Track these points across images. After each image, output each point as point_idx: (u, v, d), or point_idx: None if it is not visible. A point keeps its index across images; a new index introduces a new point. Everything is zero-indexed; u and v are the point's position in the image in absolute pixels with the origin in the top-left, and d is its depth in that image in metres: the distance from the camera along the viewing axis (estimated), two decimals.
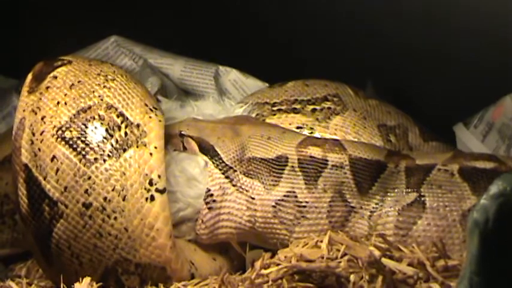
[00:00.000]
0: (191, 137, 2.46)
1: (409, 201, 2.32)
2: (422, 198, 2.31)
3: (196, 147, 2.45)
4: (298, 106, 2.77)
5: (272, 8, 3.43)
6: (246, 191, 2.40)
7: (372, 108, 2.82)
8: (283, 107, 2.77)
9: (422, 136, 2.80)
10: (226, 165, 2.41)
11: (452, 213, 2.28)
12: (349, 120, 2.75)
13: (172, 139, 2.45)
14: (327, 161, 2.37)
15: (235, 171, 2.40)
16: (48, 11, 3.65)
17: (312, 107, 2.77)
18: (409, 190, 2.34)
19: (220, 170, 2.41)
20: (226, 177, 2.40)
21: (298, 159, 2.38)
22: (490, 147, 3.05)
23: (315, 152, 2.38)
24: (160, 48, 3.44)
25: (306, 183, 2.37)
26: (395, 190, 2.35)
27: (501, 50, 2.97)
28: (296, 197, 2.37)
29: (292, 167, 2.38)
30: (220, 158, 2.42)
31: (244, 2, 3.46)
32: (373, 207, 2.35)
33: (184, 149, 2.46)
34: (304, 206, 2.36)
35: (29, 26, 3.72)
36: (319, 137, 2.64)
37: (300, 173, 2.38)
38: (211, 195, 2.40)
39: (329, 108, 2.77)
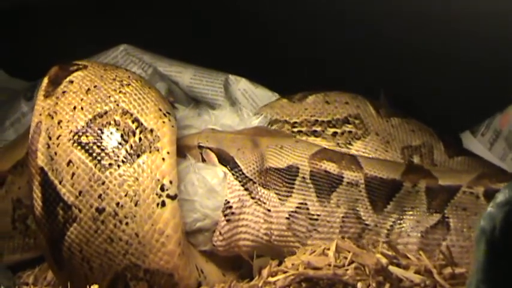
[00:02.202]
0: (210, 149, 2.44)
1: (432, 223, 2.29)
2: (446, 220, 2.28)
3: (215, 159, 2.43)
4: (318, 128, 2.74)
5: (280, 16, 3.44)
6: (264, 203, 2.38)
7: (395, 129, 2.77)
8: (303, 129, 2.74)
9: (447, 152, 2.75)
10: (246, 177, 2.39)
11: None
12: (371, 145, 2.72)
13: (191, 150, 2.44)
14: (342, 177, 2.36)
15: (254, 183, 2.39)
16: (59, 15, 3.66)
17: (332, 130, 2.74)
18: (432, 211, 2.31)
19: (240, 181, 2.39)
20: (246, 190, 2.39)
21: (311, 171, 2.38)
22: (497, 155, 3.05)
23: (331, 167, 2.37)
24: (169, 56, 3.45)
25: (317, 196, 2.36)
26: (416, 210, 2.32)
27: (509, 56, 2.97)
28: (308, 209, 2.36)
29: (303, 177, 2.38)
30: (240, 170, 2.40)
31: (255, 11, 3.47)
32: (391, 226, 2.32)
33: (203, 160, 2.44)
34: (316, 219, 2.36)
35: (39, 30, 3.74)
36: (334, 150, 2.59)
37: (311, 185, 2.37)
38: (230, 207, 2.38)
39: (350, 132, 2.73)
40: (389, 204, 2.33)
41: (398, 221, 2.32)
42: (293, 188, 2.38)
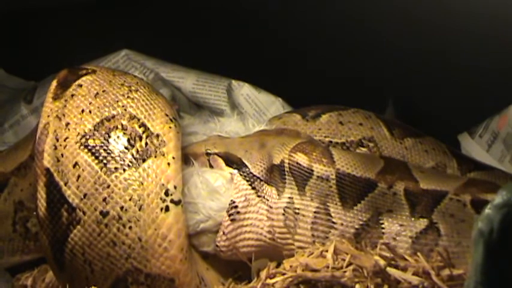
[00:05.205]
0: (217, 154, 2.46)
1: (421, 228, 2.25)
2: (436, 225, 2.24)
3: (222, 164, 2.45)
4: None
5: (285, 21, 3.44)
6: (267, 200, 2.39)
7: (409, 151, 2.73)
8: None
9: (461, 169, 2.70)
10: (254, 175, 2.40)
11: (465, 240, 2.21)
12: None
13: (198, 158, 2.47)
14: (312, 171, 2.34)
15: (261, 180, 2.40)
16: (61, 19, 3.67)
17: None
18: (418, 216, 2.26)
19: (247, 181, 2.41)
20: (253, 188, 2.40)
21: (288, 163, 2.38)
22: (495, 157, 3.05)
23: (302, 159, 2.36)
24: (172, 62, 3.45)
25: (298, 189, 2.36)
26: (396, 213, 2.28)
27: (507, 57, 2.97)
28: (293, 203, 2.36)
29: (286, 171, 2.38)
30: (248, 169, 2.41)
31: (258, 17, 3.48)
32: (360, 225, 2.29)
33: (211, 167, 2.46)
34: (298, 213, 2.35)
35: (40, 30, 3.74)
36: (313, 141, 2.57)
37: (292, 178, 2.37)
38: (236, 206, 2.39)
39: None
40: (359, 203, 2.30)
41: (375, 223, 2.29)
42: (285, 182, 2.38)
